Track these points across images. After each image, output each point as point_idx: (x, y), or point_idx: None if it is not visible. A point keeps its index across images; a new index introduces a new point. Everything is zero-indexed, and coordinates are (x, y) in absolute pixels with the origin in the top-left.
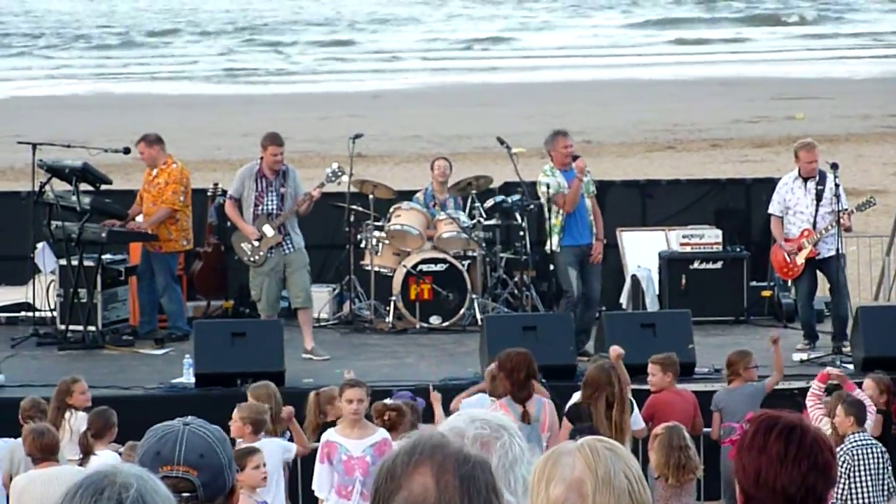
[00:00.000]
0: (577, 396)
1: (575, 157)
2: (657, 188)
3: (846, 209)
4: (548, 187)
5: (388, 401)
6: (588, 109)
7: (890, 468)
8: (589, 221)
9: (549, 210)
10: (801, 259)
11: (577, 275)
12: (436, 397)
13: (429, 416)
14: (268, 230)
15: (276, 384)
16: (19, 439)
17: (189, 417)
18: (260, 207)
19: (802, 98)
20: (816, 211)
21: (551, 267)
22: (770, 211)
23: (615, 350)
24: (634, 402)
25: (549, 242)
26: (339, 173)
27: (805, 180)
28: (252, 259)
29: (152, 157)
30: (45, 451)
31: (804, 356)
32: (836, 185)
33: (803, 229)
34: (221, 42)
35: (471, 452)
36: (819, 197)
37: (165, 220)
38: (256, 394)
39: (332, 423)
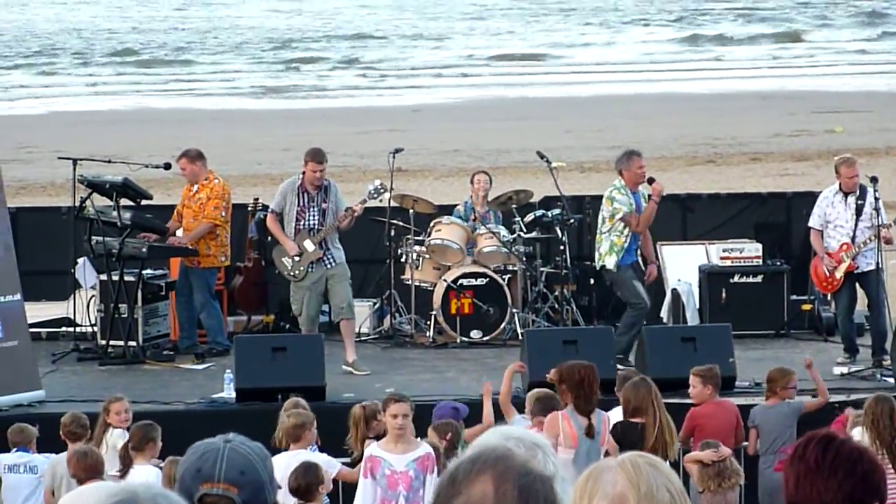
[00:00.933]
0: (616, 413)
1: (651, 180)
2: (697, 202)
3: (889, 224)
4: (619, 205)
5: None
6: (627, 124)
7: None
8: (636, 247)
9: (611, 227)
10: (839, 273)
11: (642, 285)
12: (487, 390)
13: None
14: (309, 245)
15: (317, 399)
16: (62, 455)
17: (230, 434)
18: (301, 222)
19: (842, 111)
20: (856, 225)
21: (591, 281)
22: (810, 224)
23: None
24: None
25: (602, 258)
26: (382, 190)
27: (846, 195)
28: (293, 274)
29: (194, 172)
30: (89, 472)
31: (844, 370)
32: (876, 199)
33: (842, 243)
34: (261, 57)
35: (533, 466)
36: (859, 211)
37: (205, 236)
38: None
39: (376, 438)
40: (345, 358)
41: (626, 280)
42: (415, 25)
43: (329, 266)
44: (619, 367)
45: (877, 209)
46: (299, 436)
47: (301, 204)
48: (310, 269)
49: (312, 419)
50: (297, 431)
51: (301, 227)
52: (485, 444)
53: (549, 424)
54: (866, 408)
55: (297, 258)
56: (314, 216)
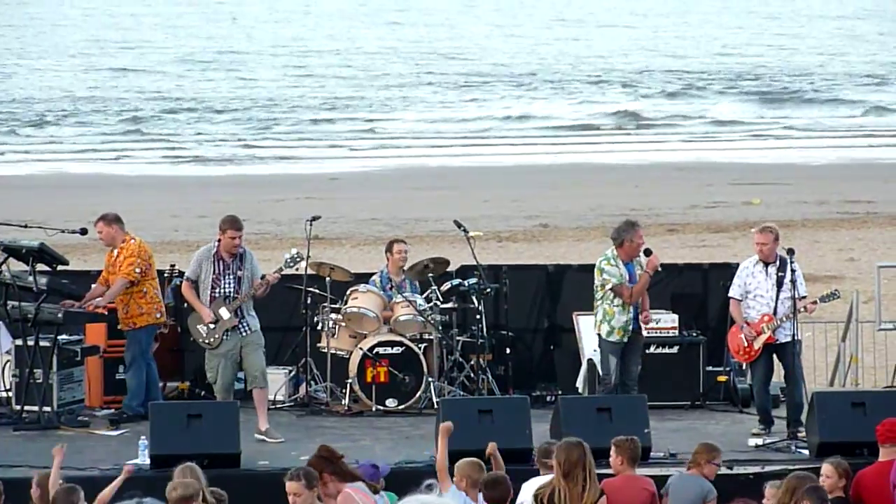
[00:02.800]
0: (534, 481)
1: (648, 251)
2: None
3: (804, 296)
4: (609, 276)
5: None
6: (544, 193)
7: None
8: (636, 310)
9: (603, 295)
10: (758, 344)
11: (616, 363)
12: (447, 428)
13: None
14: (224, 313)
15: (232, 466)
16: None
17: (146, 499)
18: (217, 290)
19: (759, 183)
20: (777, 296)
21: (507, 350)
22: (730, 294)
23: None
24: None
25: (597, 326)
26: (298, 259)
27: (766, 265)
28: (207, 341)
29: (111, 236)
30: None
31: (759, 441)
32: (793, 271)
33: (763, 314)
34: (177, 122)
35: None
36: (780, 283)
37: (133, 296)
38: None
39: None
40: (257, 426)
41: (603, 352)
42: (331, 95)
43: (244, 334)
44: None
45: (793, 280)
46: None
47: (216, 271)
48: (225, 337)
49: (198, 489)
50: None
51: (216, 294)
52: None
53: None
54: (785, 485)
55: (212, 326)
56: (230, 284)
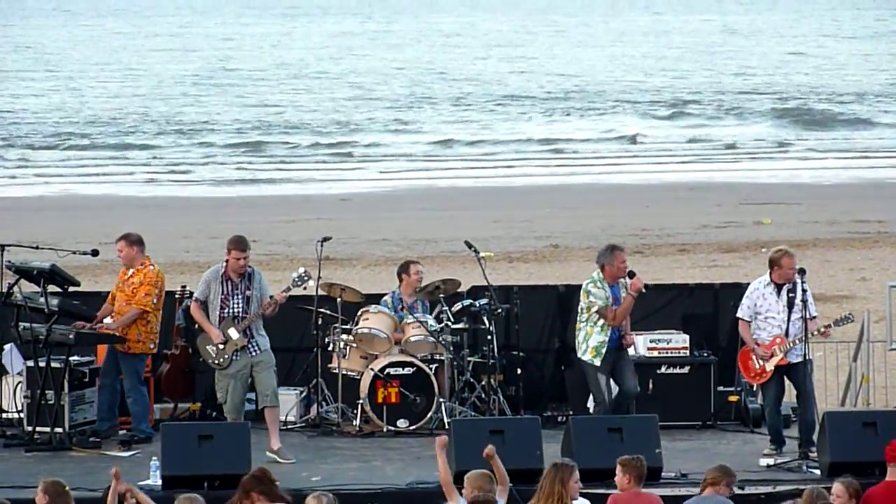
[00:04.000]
0: None
1: (631, 274)
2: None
3: (814, 316)
4: (595, 298)
5: None
6: (555, 213)
7: None
8: (618, 331)
9: (588, 318)
10: (771, 366)
11: (606, 381)
12: (443, 442)
13: None
14: (233, 333)
15: None
16: None
17: None
18: (226, 310)
19: (770, 203)
20: (789, 317)
21: (518, 371)
22: (739, 315)
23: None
24: None
25: (579, 347)
26: (306, 278)
27: (777, 286)
28: (217, 362)
29: (130, 256)
30: None
31: (771, 461)
32: (804, 291)
33: (775, 336)
34: (188, 143)
35: None
36: (791, 304)
37: (137, 322)
38: None
39: None
40: (269, 445)
41: (590, 375)
42: (343, 114)
43: (254, 354)
44: None
45: (804, 300)
46: None
47: (225, 292)
48: (234, 357)
49: None
50: None
51: (225, 314)
52: None
53: None
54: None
55: (221, 346)
56: (238, 304)
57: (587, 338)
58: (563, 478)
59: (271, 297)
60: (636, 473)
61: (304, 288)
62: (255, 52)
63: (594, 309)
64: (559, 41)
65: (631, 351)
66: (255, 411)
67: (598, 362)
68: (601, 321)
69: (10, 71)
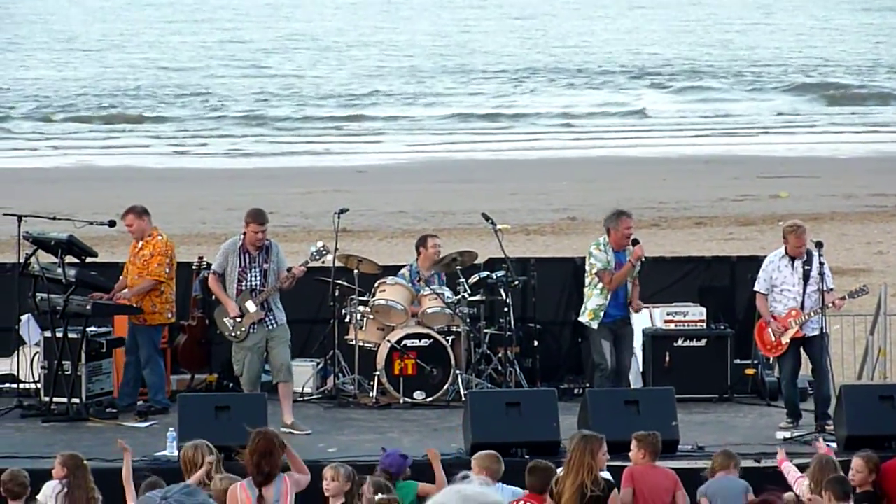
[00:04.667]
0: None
1: (635, 242)
2: (642, 265)
3: (832, 288)
4: (595, 261)
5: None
6: (573, 186)
7: None
8: (624, 299)
9: (590, 282)
10: (786, 339)
11: (610, 348)
12: (435, 455)
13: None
14: (250, 306)
15: None
16: None
17: (170, 488)
18: (243, 283)
19: (787, 176)
20: (804, 290)
21: (535, 343)
22: (756, 288)
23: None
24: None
25: (582, 312)
26: (324, 252)
27: (792, 259)
28: (234, 334)
29: (140, 228)
30: None
31: (787, 434)
32: (821, 265)
33: (791, 309)
34: (205, 115)
35: None
36: (806, 277)
37: (150, 293)
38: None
39: None
40: (282, 420)
41: (595, 339)
42: (359, 85)
43: (270, 327)
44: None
45: (822, 274)
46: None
47: (242, 265)
48: (251, 330)
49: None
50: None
51: (243, 287)
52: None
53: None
54: (811, 472)
55: (238, 319)
56: (256, 277)
57: (587, 300)
58: (592, 449)
59: (290, 269)
60: (651, 449)
61: (323, 262)
62: (268, 23)
63: (593, 271)
64: (574, 14)
65: (647, 323)
66: (271, 383)
67: (595, 325)
68: (601, 284)
69: (24, 42)
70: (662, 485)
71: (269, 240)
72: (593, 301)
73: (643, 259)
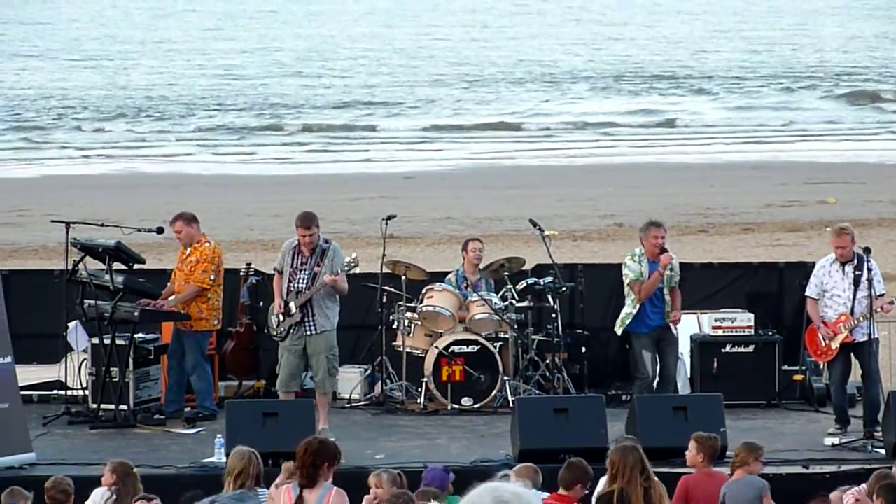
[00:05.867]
0: (602, 484)
1: (664, 251)
2: (689, 271)
3: (881, 294)
4: (628, 271)
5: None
6: (620, 193)
7: None
8: (662, 307)
9: (627, 293)
10: (836, 344)
11: (651, 357)
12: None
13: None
14: (292, 307)
15: None
16: None
17: (218, 496)
18: (292, 283)
19: (834, 182)
20: (854, 296)
21: (583, 349)
22: (807, 293)
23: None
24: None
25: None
26: (353, 264)
27: (843, 264)
28: (276, 332)
29: (189, 235)
30: None
31: (836, 440)
32: (869, 270)
33: (840, 314)
34: (252, 123)
35: None
36: (857, 282)
37: (196, 299)
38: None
39: None
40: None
41: (635, 349)
42: (410, 92)
43: (310, 333)
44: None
45: (870, 279)
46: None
47: (294, 265)
48: (291, 331)
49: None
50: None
51: (292, 288)
52: (478, 502)
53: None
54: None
55: (281, 317)
56: (304, 279)
57: (624, 313)
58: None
59: (323, 279)
60: (710, 452)
61: (352, 272)
62: (317, 30)
63: (626, 281)
64: (616, 20)
65: (695, 329)
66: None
67: (618, 331)
68: (633, 295)
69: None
70: (716, 493)
71: (329, 242)
72: (623, 311)
73: (671, 268)
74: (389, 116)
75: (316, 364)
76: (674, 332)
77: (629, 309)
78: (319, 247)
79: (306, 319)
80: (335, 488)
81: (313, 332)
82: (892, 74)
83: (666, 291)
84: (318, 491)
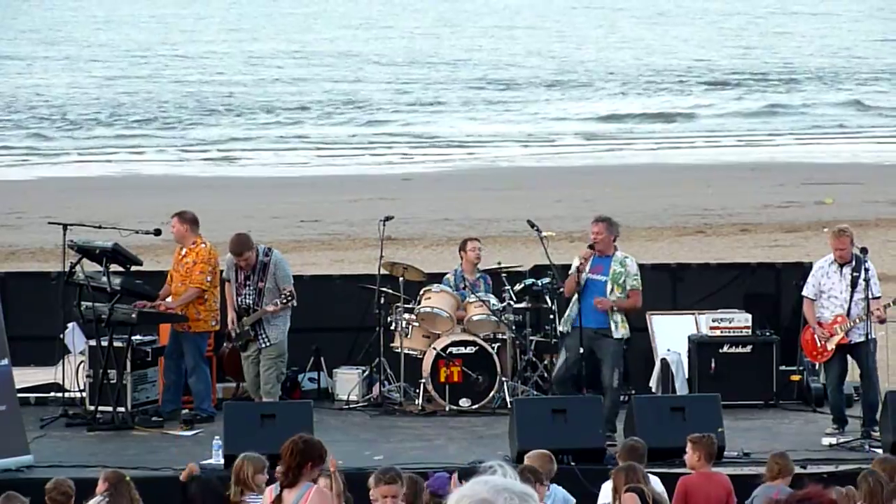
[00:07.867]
0: (605, 489)
1: (592, 246)
2: (687, 272)
3: (878, 296)
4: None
5: None
6: (618, 194)
7: None
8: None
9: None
10: (831, 345)
11: (567, 357)
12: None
13: None
14: (245, 322)
15: None
16: None
17: None
18: (240, 298)
19: (831, 183)
20: (851, 297)
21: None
22: (804, 294)
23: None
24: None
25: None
26: (289, 298)
27: (841, 265)
28: (235, 344)
29: (181, 234)
30: None
31: (833, 440)
32: (866, 271)
33: (836, 315)
34: (249, 124)
35: None
36: (854, 283)
37: (194, 301)
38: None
39: None
40: None
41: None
42: (408, 94)
43: (263, 345)
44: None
45: (867, 280)
46: None
47: (238, 281)
48: (248, 344)
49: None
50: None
51: (239, 303)
52: (473, 496)
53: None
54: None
55: (237, 331)
56: (249, 294)
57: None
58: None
59: (275, 300)
60: (706, 452)
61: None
62: (323, 31)
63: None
64: (618, 20)
65: (693, 330)
66: (317, 390)
67: (561, 329)
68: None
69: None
70: (715, 495)
71: (270, 254)
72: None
73: (623, 266)
74: (388, 116)
75: (263, 373)
76: (608, 339)
77: (573, 307)
78: (260, 262)
79: (259, 334)
80: (315, 486)
81: (267, 345)
82: (891, 75)
83: (617, 291)
84: (297, 490)
